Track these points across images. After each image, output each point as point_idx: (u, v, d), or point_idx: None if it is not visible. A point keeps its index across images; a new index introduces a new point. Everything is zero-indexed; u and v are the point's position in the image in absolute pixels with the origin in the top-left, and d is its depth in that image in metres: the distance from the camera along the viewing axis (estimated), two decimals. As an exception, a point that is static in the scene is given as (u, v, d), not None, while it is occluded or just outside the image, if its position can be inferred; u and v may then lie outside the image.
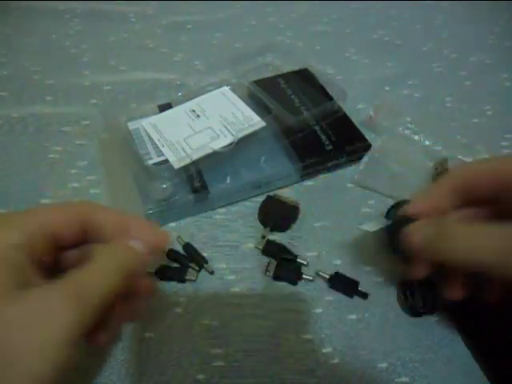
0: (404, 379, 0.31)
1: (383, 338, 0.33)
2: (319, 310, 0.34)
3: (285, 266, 0.36)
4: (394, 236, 0.30)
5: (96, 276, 0.21)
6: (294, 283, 0.35)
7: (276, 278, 0.35)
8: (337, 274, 0.35)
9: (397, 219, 0.31)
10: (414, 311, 0.33)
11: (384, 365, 0.31)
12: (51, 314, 0.18)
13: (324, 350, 0.32)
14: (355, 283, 0.35)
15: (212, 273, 0.35)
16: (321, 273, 0.35)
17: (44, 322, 0.18)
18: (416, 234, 0.28)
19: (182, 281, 0.35)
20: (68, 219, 0.23)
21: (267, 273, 0.35)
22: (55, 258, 0.24)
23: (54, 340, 0.18)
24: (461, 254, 0.25)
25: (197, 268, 0.35)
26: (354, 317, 0.34)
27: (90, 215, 0.24)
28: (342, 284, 0.35)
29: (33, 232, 0.22)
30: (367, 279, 0.36)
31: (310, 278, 0.35)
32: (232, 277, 0.36)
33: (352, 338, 0.33)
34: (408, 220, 0.29)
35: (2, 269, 0.19)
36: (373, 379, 0.31)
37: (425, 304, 0.33)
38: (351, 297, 0.34)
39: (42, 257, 0.22)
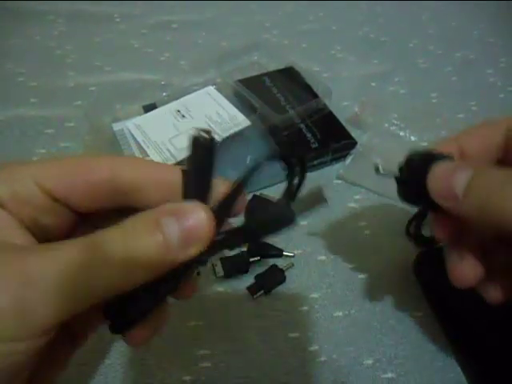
0: (390, 375, 0.31)
1: (369, 334, 0.33)
2: (305, 308, 0.34)
3: (230, 260, 0.35)
4: (415, 179, 0.21)
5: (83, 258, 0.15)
6: (245, 271, 0.35)
7: (227, 275, 0.35)
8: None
9: (422, 156, 0.22)
10: None
11: (370, 361, 0.31)
12: None
13: (311, 348, 0.32)
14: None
15: (198, 274, 0.35)
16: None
17: None
18: (454, 177, 0.20)
19: (168, 282, 0.35)
20: (74, 176, 0.18)
21: (217, 274, 0.35)
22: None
23: None
24: None
25: (182, 269, 0.35)
26: (339, 314, 0.34)
27: (114, 172, 0.18)
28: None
29: (20, 185, 0.17)
30: (352, 276, 0.36)
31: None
32: (218, 277, 0.35)
33: (338, 335, 0.33)
34: (437, 157, 0.21)
35: None
36: (359, 376, 0.31)
37: None
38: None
39: (45, 222, 0.18)
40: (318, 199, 0.21)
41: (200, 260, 0.17)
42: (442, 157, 0.21)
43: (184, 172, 0.18)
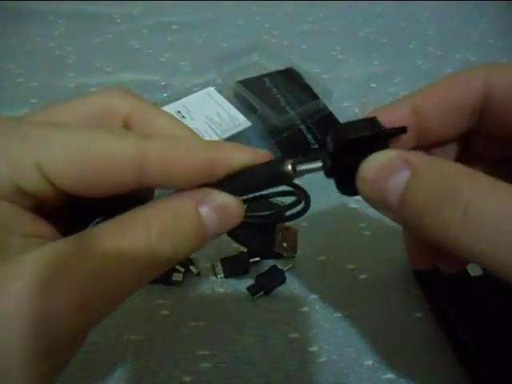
0: (390, 376, 0.31)
1: (369, 335, 0.33)
2: (305, 309, 0.34)
3: (230, 261, 0.35)
4: (342, 164, 0.17)
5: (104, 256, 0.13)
6: (246, 271, 0.35)
7: (227, 276, 0.35)
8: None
9: (350, 139, 0.16)
10: None
11: (370, 362, 0.31)
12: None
13: (311, 349, 0.32)
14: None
15: (198, 274, 0.35)
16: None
17: None
18: (386, 182, 0.15)
19: (168, 283, 0.35)
20: (94, 181, 0.15)
21: (217, 274, 0.35)
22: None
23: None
24: (482, 249, 0.13)
25: (182, 269, 0.35)
26: (339, 314, 0.34)
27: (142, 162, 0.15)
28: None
29: (22, 174, 0.14)
30: (352, 276, 0.36)
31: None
32: (218, 278, 0.36)
33: (338, 335, 0.33)
34: (371, 143, 0.16)
35: None
36: (359, 377, 0.31)
37: None
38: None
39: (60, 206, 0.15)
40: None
41: None
42: (375, 140, 0.16)
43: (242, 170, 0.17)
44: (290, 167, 0.17)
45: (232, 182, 0.16)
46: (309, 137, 0.44)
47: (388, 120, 0.17)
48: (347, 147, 0.16)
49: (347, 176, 0.16)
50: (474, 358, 0.30)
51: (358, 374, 0.31)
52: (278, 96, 0.47)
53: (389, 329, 0.33)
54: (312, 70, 0.56)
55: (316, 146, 0.43)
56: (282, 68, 0.52)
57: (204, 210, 0.16)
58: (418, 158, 0.15)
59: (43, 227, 0.15)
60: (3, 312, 0.12)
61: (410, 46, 0.62)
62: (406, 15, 0.68)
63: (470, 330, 0.31)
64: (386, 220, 0.40)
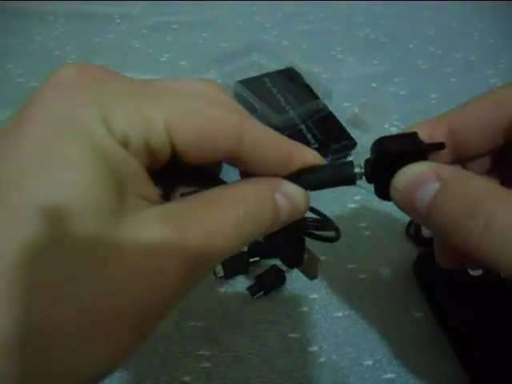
0: (389, 376, 0.31)
1: (369, 335, 0.33)
2: (305, 309, 0.34)
3: (230, 261, 0.35)
4: (381, 173, 0.18)
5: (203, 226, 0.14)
6: (246, 271, 0.35)
7: (227, 276, 0.35)
8: None
9: (389, 153, 0.18)
10: None
11: (370, 362, 0.32)
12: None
13: (310, 349, 0.32)
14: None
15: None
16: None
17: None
18: (417, 192, 0.16)
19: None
20: (204, 136, 0.16)
21: (217, 274, 0.35)
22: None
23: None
24: (501, 260, 0.14)
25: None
26: (339, 314, 0.34)
27: (241, 135, 0.16)
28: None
29: (153, 134, 0.15)
30: (352, 276, 0.36)
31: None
32: (218, 278, 0.36)
33: (338, 335, 0.33)
34: (407, 155, 0.17)
35: (99, 171, 0.13)
36: (359, 377, 0.31)
37: None
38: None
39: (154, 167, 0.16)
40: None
41: None
42: (414, 154, 0.17)
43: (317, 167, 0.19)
44: (358, 170, 0.19)
45: (302, 176, 0.18)
46: (309, 137, 0.44)
47: (426, 136, 0.18)
48: (388, 159, 0.18)
49: (385, 183, 0.18)
50: (473, 358, 0.30)
51: (357, 373, 0.31)
52: (278, 96, 0.47)
53: (389, 329, 0.33)
54: (312, 70, 0.56)
55: (316, 146, 0.43)
56: (282, 68, 0.52)
57: (278, 197, 0.17)
58: (447, 171, 0.16)
59: (152, 190, 0.16)
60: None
61: (410, 46, 0.62)
62: (406, 15, 0.68)
63: (469, 330, 0.31)
64: (386, 220, 0.41)
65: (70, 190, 0.13)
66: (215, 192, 0.16)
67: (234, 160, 0.17)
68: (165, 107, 0.15)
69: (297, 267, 0.35)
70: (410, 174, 0.17)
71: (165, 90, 0.16)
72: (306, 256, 0.34)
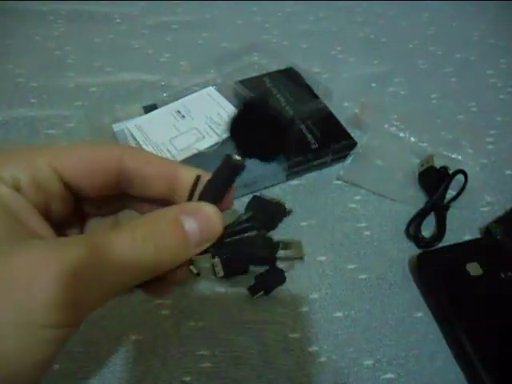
0: (389, 376, 0.31)
1: (369, 335, 0.33)
2: (305, 309, 0.34)
3: (230, 261, 0.35)
4: None
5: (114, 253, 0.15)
6: (245, 271, 0.35)
7: (227, 276, 0.35)
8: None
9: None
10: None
11: (370, 362, 0.32)
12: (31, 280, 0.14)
13: (310, 349, 0.32)
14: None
15: (198, 274, 0.35)
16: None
17: (19, 290, 0.14)
18: None
19: (168, 282, 0.35)
20: (87, 164, 0.18)
21: (217, 274, 0.35)
22: (82, 221, 0.20)
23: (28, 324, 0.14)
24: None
25: (182, 269, 0.35)
26: (339, 314, 0.34)
27: (122, 161, 0.19)
28: None
29: (38, 170, 0.17)
30: (352, 276, 0.36)
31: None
32: (218, 278, 0.35)
33: (338, 335, 0.33)
34: None
35: None
36: (359, 377, 0.31)
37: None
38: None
39: (54, 208, 0.18)
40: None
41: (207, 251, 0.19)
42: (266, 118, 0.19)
43: (197, 178, 0.20)
44: (237, 157, 0.19)
45: (205, 192, 0.19)
46: (309, 137, 0.44)
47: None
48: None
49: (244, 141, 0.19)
50: (473, 358, 0.30)
51: (357, 373, 0.31)
52: (278, 96, 0.47)
53: (389, 329, 0.33)
54: (312, 70, 0.55)
55: (316, 146, 0.43)
56: (282, 68, 0.52)
57: (183, 217, 0.17)
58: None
59: (44, 227, 0.17)
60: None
61: (410, 46, 0.62)
62: (406, 15, 0.68)
63: (469, 330, 0.31)
64: (386, 220, 0.41)
65: None
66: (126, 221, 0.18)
67: (124, 183, 0.19)
68: (47, 151, 0.18)
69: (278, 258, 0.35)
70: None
71: (49, 145, 0.19)
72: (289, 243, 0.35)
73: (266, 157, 0.19)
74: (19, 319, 0.14)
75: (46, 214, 0.18)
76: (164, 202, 0.21)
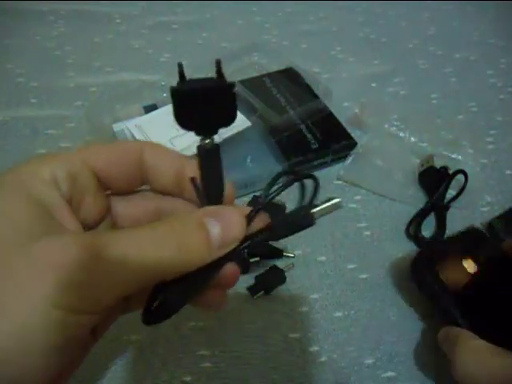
0: (390, 374, 0.31)
1: (369, 334, 0.33)
2: (305, 309, 0.34)
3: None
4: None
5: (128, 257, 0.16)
6: (246, 271, 0.35)
7: None
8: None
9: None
10: None
11: (371, 360, 0.32)
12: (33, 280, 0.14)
13: (311, 349, 0.32)
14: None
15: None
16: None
17: (26, 288, 0.14)
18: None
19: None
20: (115, 153, 0.20)
21: None
22: (108, 212, 0.21)
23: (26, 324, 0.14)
24: None
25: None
26: (340, 314, 0.34)
27: (142, 154, 0.20)
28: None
29: (73, 165, 0.18)
30: (352, 276, 0.36)
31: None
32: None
33: (338, 335, 0.33)
34: None
35: (30, 208, 0.16)
36: (360, 376, 0.31)
37: None
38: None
39: (87, 203, 0.19)
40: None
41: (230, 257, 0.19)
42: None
43: (192, 179, 0.20)
44: (205, 141, 0.19)
45: (205, 190, 0.19)
46: (309, 137, 0.44)
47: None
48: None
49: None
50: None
51: (358, 373, 0.31)
52: (278, 96, 0.47)
53: (389, 328, 0.33)
54: (312, 70, 0.55)
55: (316, 146, 0.43)
56: (282, 68, 0.52)
57: (208, 219, 0.18)
58: None
59: (73, 222, 0.18)
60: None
61: (410, 46, 0.62)
62: (406, 15, 0.68)
63: (469, 330, 0.31)
64: (386, 220, 0.40)
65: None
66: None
67: (143, 176, 0.21)
68: (80, 150, 0.20)
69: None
70: None
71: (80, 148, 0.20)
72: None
73: (211, 125, 0.19)
74: (32, 299, 0.14)
75: (78, 211, 0.19)
76: (170, 195, 0.22)
